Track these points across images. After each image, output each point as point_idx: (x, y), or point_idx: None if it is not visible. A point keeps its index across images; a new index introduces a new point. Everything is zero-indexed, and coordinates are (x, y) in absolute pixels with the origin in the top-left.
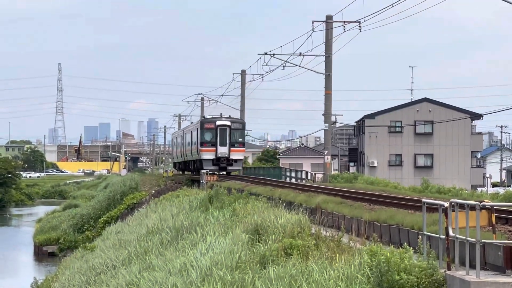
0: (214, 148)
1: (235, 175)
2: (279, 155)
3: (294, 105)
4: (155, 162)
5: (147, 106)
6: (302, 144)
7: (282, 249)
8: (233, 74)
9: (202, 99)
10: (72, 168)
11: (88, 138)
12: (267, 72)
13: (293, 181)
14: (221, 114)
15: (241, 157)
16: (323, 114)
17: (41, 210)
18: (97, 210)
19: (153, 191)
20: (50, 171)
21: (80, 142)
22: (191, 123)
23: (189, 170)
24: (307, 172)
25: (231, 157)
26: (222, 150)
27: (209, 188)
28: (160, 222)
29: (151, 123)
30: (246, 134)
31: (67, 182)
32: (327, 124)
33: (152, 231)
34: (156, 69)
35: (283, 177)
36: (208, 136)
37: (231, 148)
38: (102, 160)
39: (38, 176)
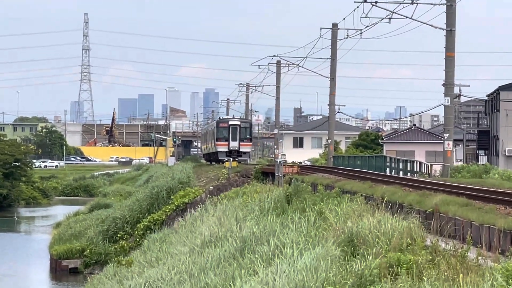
0: (227, 143)
1: (323, 166)
2: (382, 139)
3: (403, 72)
4: None
5: (203, 72)
6: (414, 125)
7: (386, 266)
8: (321, 29)
9: (278, 62)
10: (102, 155)
11: (124, 115)
12: (367, 27)
13: (401, 174)
14: (233, 115)
15: (248, 150)
16: (443, 85)
17: (60, 211)
18: (136, 213)
19: (211, 187)
20: (72, 158)
21: (113, 120)
22: (214, 120)
23: (211, 160)
24: (420, 162)
25: (240, 149)
26: (233, 144)
27: (287, 183)
28: (221, 230)
29: (208, 95)
30: (252, 131)
31: (95, 173)
32: (449, 98)
33: (210, 241)
34: (215, 23)
35: (388, 169)
36: (222, 133)
37: (240, 143)
38: (143, 145)
39: (57, 166)
